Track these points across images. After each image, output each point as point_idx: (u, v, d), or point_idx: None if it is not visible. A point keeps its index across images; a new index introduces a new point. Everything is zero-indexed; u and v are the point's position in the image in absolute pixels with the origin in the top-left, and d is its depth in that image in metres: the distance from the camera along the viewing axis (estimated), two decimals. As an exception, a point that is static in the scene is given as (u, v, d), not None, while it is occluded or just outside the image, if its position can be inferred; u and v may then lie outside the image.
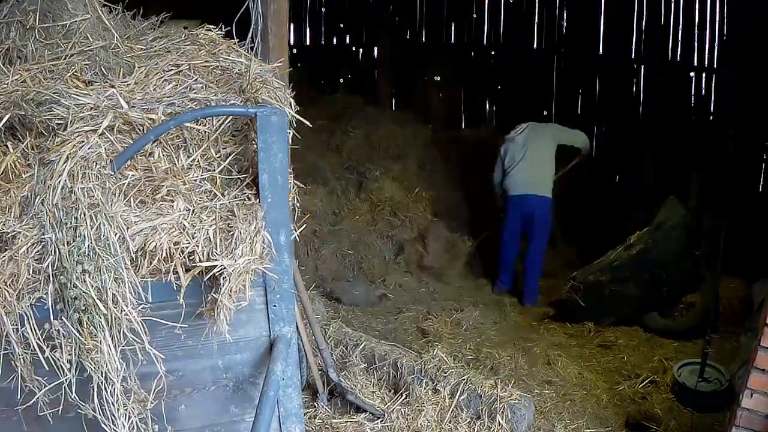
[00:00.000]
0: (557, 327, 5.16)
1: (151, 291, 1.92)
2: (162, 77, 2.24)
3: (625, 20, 7.03)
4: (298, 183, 2.31)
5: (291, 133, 2.25)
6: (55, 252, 1.81)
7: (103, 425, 1.87)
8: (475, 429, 3.33)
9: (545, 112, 7.94)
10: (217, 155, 2.15)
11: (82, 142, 1.93)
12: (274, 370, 1.95)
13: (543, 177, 5.56)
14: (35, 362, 1.84)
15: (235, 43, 2.50)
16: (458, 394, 3.46)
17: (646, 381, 4.23)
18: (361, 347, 3.94)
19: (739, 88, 5.83)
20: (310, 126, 2.45)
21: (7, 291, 1.79)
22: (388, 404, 3.55)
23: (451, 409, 3.42)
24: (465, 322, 5.20)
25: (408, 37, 8.70)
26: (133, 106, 2.09)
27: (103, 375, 1.82)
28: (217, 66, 2.32)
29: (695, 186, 5.77)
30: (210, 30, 2.53)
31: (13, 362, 1.84)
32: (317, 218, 5.82)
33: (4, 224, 1.87)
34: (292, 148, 2.24)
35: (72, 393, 1.84)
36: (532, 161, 5.55)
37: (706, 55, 6.43)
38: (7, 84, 2.10)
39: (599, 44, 7.32)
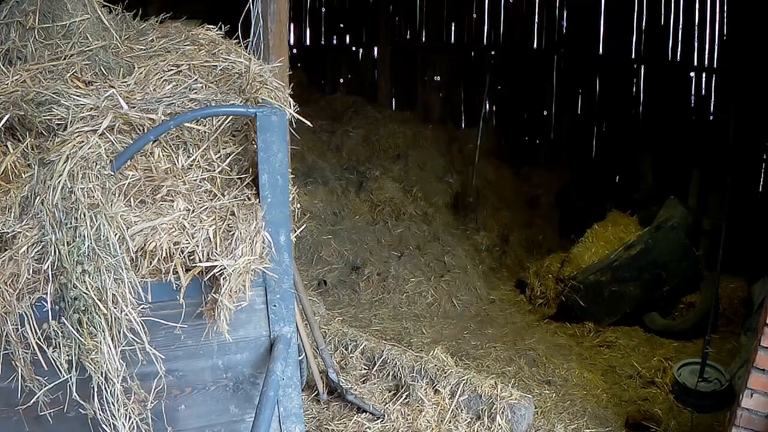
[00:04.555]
0: (557, 327, 5.17)
1: (151, 291, 1.91)
2: (162, 77, 2.24)
3: (625, 20, 7.03)
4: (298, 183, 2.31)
5: (295, 136, 2.25)
6: (55, 252, 1.80)
7: (103, 425, 1.87)
8: (475, 429, 3.33)
9: (545, 112, 7.95)
10: (217, 155, 2.14)
11: (82, 142, 1.93)
12: (274, 370, 1.95)
13: None
14: (35, 362, 1.84)
15: (234, 43, 2.50)
16: (458, 394, 3.45)
17: (646, 381, 4.23)
18: (361, 347, 3.93)
19: (739, 88, 5.84)
20: (310, 126, 2.45)
21: (7, 291, 1.79)
22: (388, 404, 3.55)
23: (451, 410, 3.42)
24: (465, 322, 5.21)
25: (408, 37, 8.70)
26: (133, 107, 2.09)
27: (103, 375, 1.82)
28: (217, 66, 2.32)
29: (695, 186, 5.78)
30: (210, 30, 2.53)
31: (13, 362, 1.84)
32: (317, 218, 5.81)
33: (4, 224, 1.86)
34: (292, 148, 2.24)
35: (72, 393, 1.84)
36: None
37: (706, 55, 6.43)
38: (7, 84, 2.10)
39: (599, 44, 7.32)
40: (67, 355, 1.82)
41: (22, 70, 2.17)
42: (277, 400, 2.07)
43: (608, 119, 7.37)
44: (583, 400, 3.98)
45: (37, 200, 1.85)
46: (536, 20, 7.93)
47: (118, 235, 1.85)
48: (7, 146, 2.08)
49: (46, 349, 1.83)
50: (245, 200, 2.05)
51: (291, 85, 2.49)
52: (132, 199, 1.98)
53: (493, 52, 8.29)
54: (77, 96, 2.07)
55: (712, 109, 6.47)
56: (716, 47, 6.33)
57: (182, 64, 2.29)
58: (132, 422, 1.88)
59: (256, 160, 2.04)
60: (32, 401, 1.88)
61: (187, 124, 2.13)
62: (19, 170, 2.01)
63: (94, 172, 1.88)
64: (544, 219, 6.84)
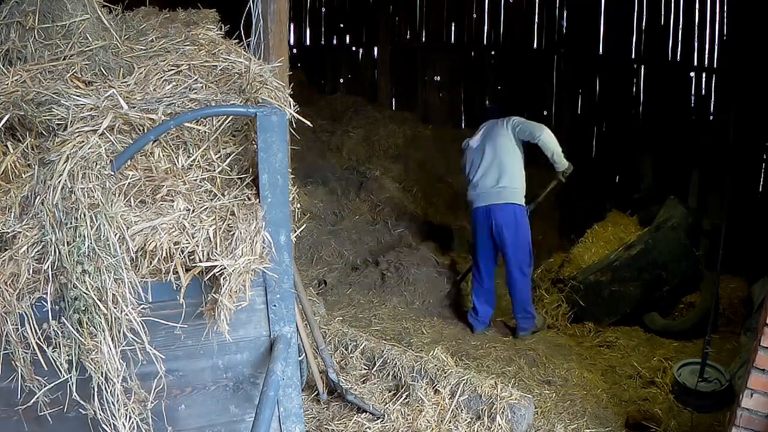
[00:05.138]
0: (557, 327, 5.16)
1: (151, 291, 1.91)
2: (162, 77, 2.24)
3: (625, 20, 7.04)
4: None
5: (296, 136, 2.26)
6: (55, 252, 1.81)
7: (103, 425, 1.87)
8: (475, 429, 3.33)
9: (545, 112, 7.95)
10: (217, 155, 2.15)
11: (82, 142, 1.93)
12: (274, 370, 1.95)
13: (507, 182, 4.78)
14: (35, 362, 1.84)
15: (234, 43, 2.50)
16: (458, 394, 3.45)
17: (646, 381, 4.23)
18: (361, 347, 3.93)
19: (739, 88, 5.84)
20: (310, 126, 2.45)
21: (7, 291, 1.79)
22: (388, 404, 3.55)
23: (451, 410, 3.42)
24: (465, 322, 5.21)
25: (408, 37, 8.71)
26: (133, 107, 2.09)
27: (103, 375, 1.82)
28: (217, 66, 2.32)
29: (695, 186, 5.78)
30: (210, 30, 2.54)
31: (13, 362, 1.84)
32: (317, 218, 5.82)
33: (4, 224, 1.87)
34: (292, 148, 2.24)
35: (72, 393, 1.84)
36: (491, 166, 4.82)
37: (706, 55, 6.44)
38: (7, 84, 2.10)
39: (599, 44, 7.32)
40: (67, 355, 1.82)
41: (22, 70, 2.17)
42: (277, 400, 2.07)
43: (608, 119, 7.37)
44: (583, 400, 3.98)
45: (37, 200, 1.86)
46: (536, 20, 7.93)
47: (118, 235, 1.85)
48: (7, 146, 2.08)
49: (46, 349, 1.83)
50: (245, 200, 2.05)
51: (291, 85, 2.49)
52: (132, 199, 1.98)
53: (493, 52, 8.30)
54: (77, 96, 2.07)
55: (712, 109, 6.47)
56: (716, 47, 6.33)
57: (182, 64, 2.29)
58: (132, 422, 1.88)
59: (256, 160, 2.04)
60: (32, 401, 1.88)
61: (187, 124, 2.13)
62: (19, 170, 2.01)
63: (94, 172, 1.88)
64: (544, 219, 6.84)
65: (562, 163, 4.87)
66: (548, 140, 4.77)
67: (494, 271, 5.03)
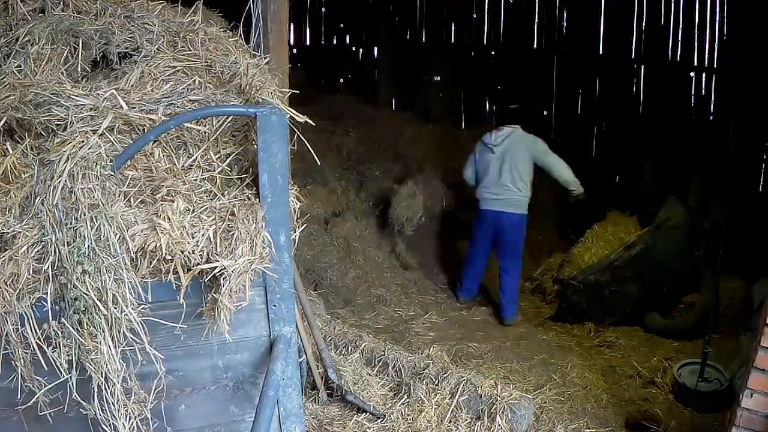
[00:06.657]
0: (557, 327, 5.17)
1: (151, 291, 1.91)
2: (161, 77, 2.23)
3: (625, 20, 7.04)
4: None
5: (296, 136, 2.25)
6: (55, 252, 1.80)
7: (103, 425, 1.87)
8: (475, 429, 3.33)
9: (545, 112, 7.94)
10: (217, 155, 2.14)
11: (82, 142, 1.93)
12: (274, 370, 1.95)
13: (516, 194, 5.23)
14: (35, 362, 1.84)
15: (234, 43, 2.50)
16: (458, 394, 3.45)
17: (646, 381, 4.23)
18: (361, 347, 3.93)
19: (739, 88, 5.84)
20: (313, 125, 2.44)
21: (7, 291, 1.79)
22: (388, 405, 3.54)
23: (451, 410, 3.42)
24: (465, 322, 5.21)
25: (408, 37, 8.70)
26: (133, 107, 2.08)
27: (103, 375, 1.82)
28: (217, 66, 2.32)
29: (695, 186, 5.78)
30: (210, 29, 2.53)
31: (13, 362, 1.83)
32: (317, 218, 5.81)
33: (4, 224, 1.86)
34: (292, 148, 2.24)
35: (72, 393, 1.84)
36: (506, 177, 5.22)
37: (706, 55, 6.44)
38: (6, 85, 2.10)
39: (599, 44, 7.32)
40: (67, 355, 1.82)
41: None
42: (277, 400, 2.07)
43: (608, 119, 7.37)
44: (583, 400, 3.98)
45: (37, 200, 1.85)
46: (536, 20, 7.93)
47: (118, 235, 1.85)
48: (6, 147, 2.08)
49: (46, 349, 1.82)
50: (245, 200, 2.05)
51: (291, 85, 2.49)
52: (132, 199, 1.98)
53: (493, 52, 8.29)
54: (76, 96, 2.07)
55: (712, 109, 6.47)
56: (716, 47, 6.33)
57: (181, 64, 2.28)
58: (132, 422, 1.88)
59: (256, 160, 2.04)
60: (32, 401, 1.88)
61: (187, 124, 2.12)
62: (19, 170, 2.00)
63: (94, 172, 1.88)
64: (544, 219, 6.83)
65: (578, 188, 5.35)
66: (562, 173, 5.28)
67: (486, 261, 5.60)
